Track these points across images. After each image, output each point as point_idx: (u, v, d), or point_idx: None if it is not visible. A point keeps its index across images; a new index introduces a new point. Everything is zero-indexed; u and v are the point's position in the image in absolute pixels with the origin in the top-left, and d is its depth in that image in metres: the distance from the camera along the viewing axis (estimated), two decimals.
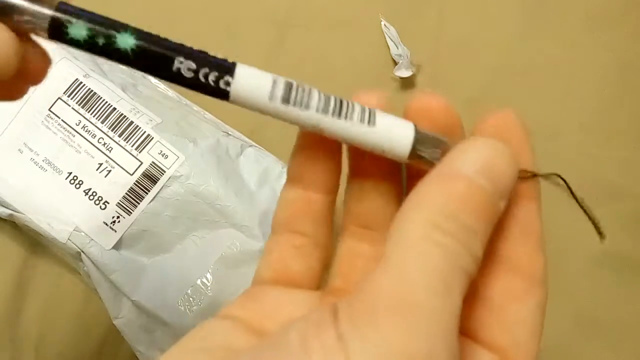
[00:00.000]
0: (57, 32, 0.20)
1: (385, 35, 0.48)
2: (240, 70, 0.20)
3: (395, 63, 0.47)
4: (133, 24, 0.20)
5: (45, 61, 0.22)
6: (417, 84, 0.48)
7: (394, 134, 0.20)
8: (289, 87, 0.20)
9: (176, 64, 0.20)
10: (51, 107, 0.40)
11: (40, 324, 0.42)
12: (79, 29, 0.20)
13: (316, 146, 0.22)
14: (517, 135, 0.20)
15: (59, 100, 0.41)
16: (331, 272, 0.23)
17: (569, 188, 0.20)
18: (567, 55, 0.49)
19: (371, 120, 0.20)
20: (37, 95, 0.40)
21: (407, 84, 0.47)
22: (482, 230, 0.17)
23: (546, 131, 0.47)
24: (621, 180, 0.47)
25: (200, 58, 0.20)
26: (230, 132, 0.44)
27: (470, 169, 0.18)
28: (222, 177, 0.41)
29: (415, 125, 0.20)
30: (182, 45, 0.20)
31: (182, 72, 0.20)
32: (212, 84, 0.20)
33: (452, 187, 0.17)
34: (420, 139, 0.20)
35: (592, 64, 0.49)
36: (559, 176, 0.20)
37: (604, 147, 0.48)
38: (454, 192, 0.17)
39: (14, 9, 0.20)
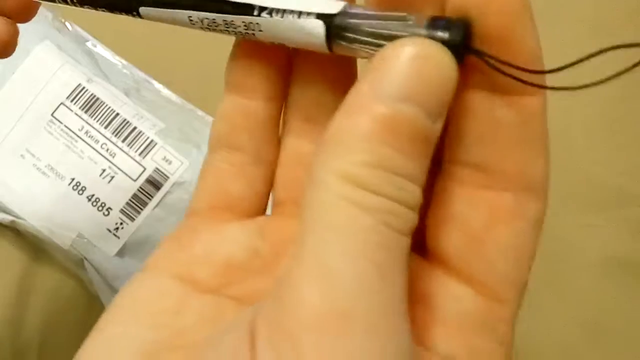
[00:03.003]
0: None
1: None
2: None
3: None
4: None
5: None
6: None
7: (300, 22, 0.16)
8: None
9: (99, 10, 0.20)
10: (54, 112, 0.40)
11: (43, 332, 0.41)
12: None
13: (255, 46, 0.18)
14: (510, 14, 0.14)
15: (62, 105, 0.40)
16: (275, 183, 0.19)
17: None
18: (574, 58, 0.49)
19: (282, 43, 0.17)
20: (39, 101, 0.40)
21: None
22: (416, 168, 0.13)
23: (553, 136, 0.47)
24: (628, 185, 0.47)
25: None
26: None
27: (389, 92, 0.13)
28: None
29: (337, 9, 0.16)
30: None
31: None
32: None
33: (370, 122, 0.13)
34: (343, 24, 0.15)
35: (598, 68, 0.49)
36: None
37: (610, 152, 0.47)
38: (370, 128, 0.13)
39: None
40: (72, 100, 0.40)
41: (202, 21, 0.18)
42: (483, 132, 0.15)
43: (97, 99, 0.40)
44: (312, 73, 0.18)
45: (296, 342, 0.12)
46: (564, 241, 0.43)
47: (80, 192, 0.39)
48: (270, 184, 0.19)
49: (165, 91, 0.44)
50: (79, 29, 0.44)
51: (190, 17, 0.18)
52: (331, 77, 0.18)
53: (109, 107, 0.40)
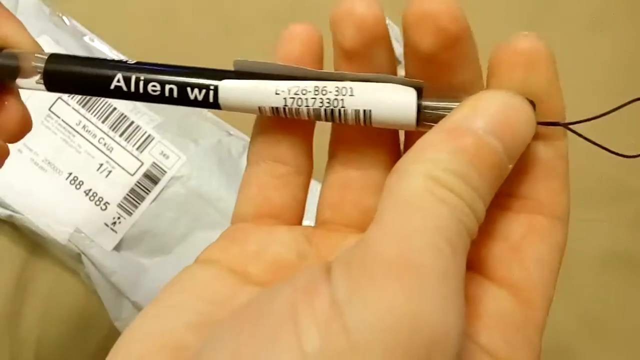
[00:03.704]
0: (54, 83, 0.21)
1: (390, 35, 0.47)
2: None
3: (400, 62, 0.47)
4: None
5: (25, 119, 0.23)
6: None
7: (393, 112, 0.18)
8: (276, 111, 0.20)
9: (167, 88, 0.20)
10: (51, 106, 0.40)
11: (40, 326, 0.42)
12: (71, 76, 0.20)
13: None
14: (546, 74, 0.17)
15: (59, 99, 0.40)
16: (319, 203, 0.21)
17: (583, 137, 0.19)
18: (572, 55, 0.49)
19: (368, 117, 0.19)
20: (37, 95, 0.40)
21: None
22: (487, 192, 0.16)
23: None
24: (627, 179, 0.47)
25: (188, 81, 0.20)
26: (232, 132, 0.43)
27: (481, 125, 0.16)
28: (223, 177, 0.40)
29: (419, 91, 0.18)
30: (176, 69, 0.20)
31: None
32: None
33: (458, 143, 0.16)
34: (425, 107, 0.18)
35: (597, 63, 0.49)
36: (568, 127, 0.19)
37: (610, 146, 0.47)
38: (461, 148, 0.16)
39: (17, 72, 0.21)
40: (69, 95, 0.40)
41: (289, 91, 0.19)
42: (526, 166, 0.18)
43: None
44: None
45: (372, 275, 0.14)
46: None
47: (78, 186, 0.39)
48: (307, 191, 0.21)
49: None
50: (76, 23, 0.44)
51: (278, 87, 0.19)
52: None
53: (106, 102, 0.40)
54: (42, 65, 0.21)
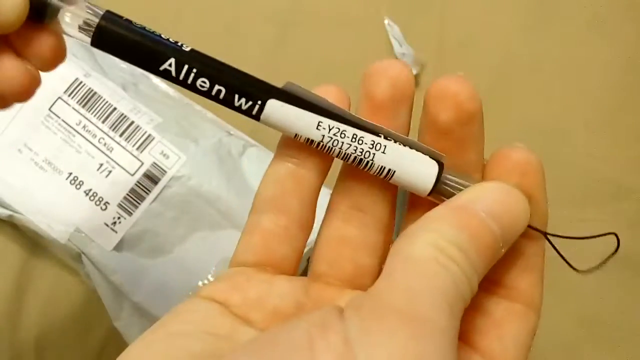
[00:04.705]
0: (101, 41, 0.20)
1: (389, 34, 0.48)
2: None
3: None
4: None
5: (60, 48, 0.22)
6: (421, 83, 0.47)
7: (413, 176, 0.20)
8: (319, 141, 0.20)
9: (216, 88, 0.20)
10: (51, 106, 0.40)
11: (40, 326, 0.42)
12: (122, 41, 0.20)
13: None
14: (535, 181, 0.20)
15: (59, 99, 0.40)
16: (315, 255, 0.22)
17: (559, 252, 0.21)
18: (573, 53, 0.49)
19: (389, 174, 0.20)
20: (37, 95, 0.40)
21: None
22: (481, 268, 0.18)
23: (551, 130, 0.47)
24: (627, 179, 0.47)
25: (237, 85, 0.20)
26: (232, 132, 0.43)
27: (486, 210, 0.18)
28: (224, 177, 0.40)
29: (440, 167, 0.20)
30: (223, 67, 0.20)
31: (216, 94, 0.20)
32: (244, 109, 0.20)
33: (464, 221, 0.18)
34: (442, 181, 0.20)
35: (598, 62, 0.49)
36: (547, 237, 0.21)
37: (609, 146, 0.47)
38: (466, 226, 0.18)
39: (61, 11, 0.20)
40: (69, 95, 0.40)
41: (329, 129, 0.20)
42: (512, 259, 0.20)
43: (95, 93, 0.40)
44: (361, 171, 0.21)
45: (383, 321, 0.16)
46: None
47: (78, 186, 0.40)
48: (305, 244, 0.22)
49: (163, 86, 0.44)
50: None
51: (321, 122, 0.20)
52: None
53: (107, 102, 0.40)
54: (95, 19, 0.20)
